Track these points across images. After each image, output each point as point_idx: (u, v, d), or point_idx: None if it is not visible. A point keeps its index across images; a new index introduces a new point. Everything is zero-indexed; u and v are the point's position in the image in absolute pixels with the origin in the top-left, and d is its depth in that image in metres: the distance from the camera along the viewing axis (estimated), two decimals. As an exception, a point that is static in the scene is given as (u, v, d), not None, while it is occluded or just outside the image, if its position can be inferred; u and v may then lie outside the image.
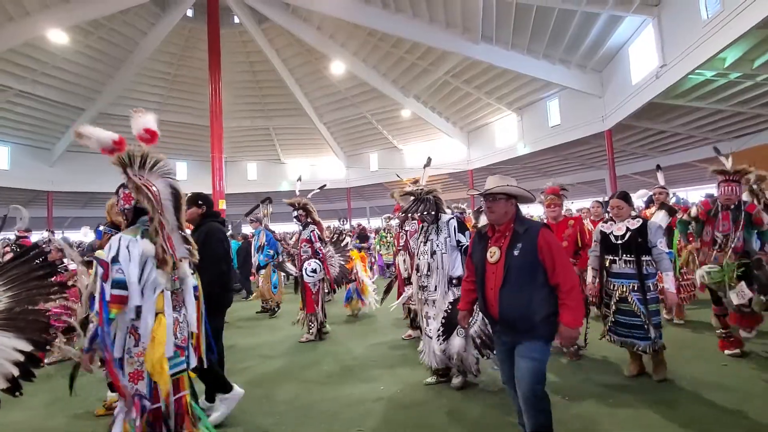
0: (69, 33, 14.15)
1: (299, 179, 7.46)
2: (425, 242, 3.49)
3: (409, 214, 3.71)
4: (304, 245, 5.28)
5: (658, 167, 5.57)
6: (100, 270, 1.91)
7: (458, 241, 3.38)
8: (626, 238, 3.29)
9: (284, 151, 24.66)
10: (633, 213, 3.39)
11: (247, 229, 13.34)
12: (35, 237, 10.24)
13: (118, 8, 14.01)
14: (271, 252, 6.88)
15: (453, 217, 3.48)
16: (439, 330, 3.30)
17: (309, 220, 5.31)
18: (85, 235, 8.23)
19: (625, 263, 3.31)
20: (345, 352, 4.69)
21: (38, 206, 19.93)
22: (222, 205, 14.26)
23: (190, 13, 16.63)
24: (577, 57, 13.21)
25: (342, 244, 5.85)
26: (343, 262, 5.63)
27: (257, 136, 23.34)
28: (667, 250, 3.28)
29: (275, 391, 3.60)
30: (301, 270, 5.28)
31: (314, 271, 5.18)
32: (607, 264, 3.40)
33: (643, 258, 3.25)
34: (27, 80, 15.67)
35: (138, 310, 1.93)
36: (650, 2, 9.98)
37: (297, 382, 3.80)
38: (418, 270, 3.57)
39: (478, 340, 3.27)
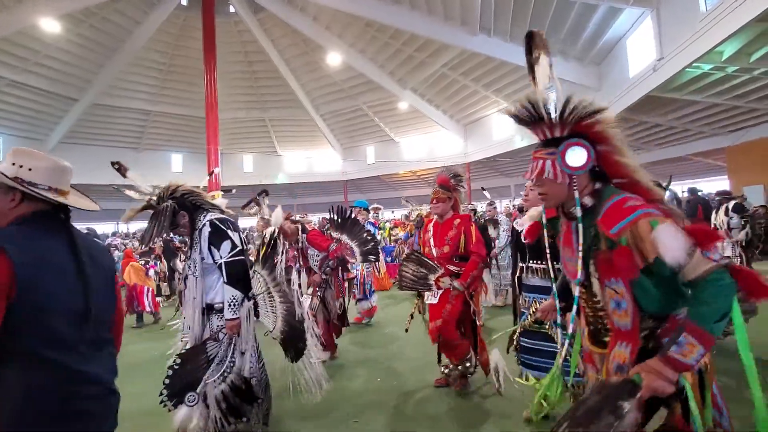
0: (61, 22, 13.90)
1: (211, 173, 6.77)
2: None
3: (152, 240, 2.56)
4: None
5: None
6: None
7: (212, 256, 2.45)
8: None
9: (281, 144, 24.51)
10: None
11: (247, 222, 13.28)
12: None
13: (111, -4, 13.79)
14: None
15: (205, 224, 2.49)
16: (163, 392, 2.27)
17: None
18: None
19: (532, 272, 2.65)
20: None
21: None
22: (218, 197, 14.18)
23: (184, 1, 16.38)
24: (575, 49, 13.16)
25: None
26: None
27: (253, 127, 23.16)
28: None
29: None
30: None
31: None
32: (520, 273, 2.78)
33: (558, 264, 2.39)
34: (19, 70, 15.42)
35: None
36: (649, -6, 9.94)
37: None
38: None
39: (223, 405, 2.31)
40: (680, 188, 17.27)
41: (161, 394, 2.24)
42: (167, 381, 2.25)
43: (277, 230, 3.78)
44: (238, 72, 19.60)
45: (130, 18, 15.72)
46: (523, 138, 17.20)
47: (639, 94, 10.87)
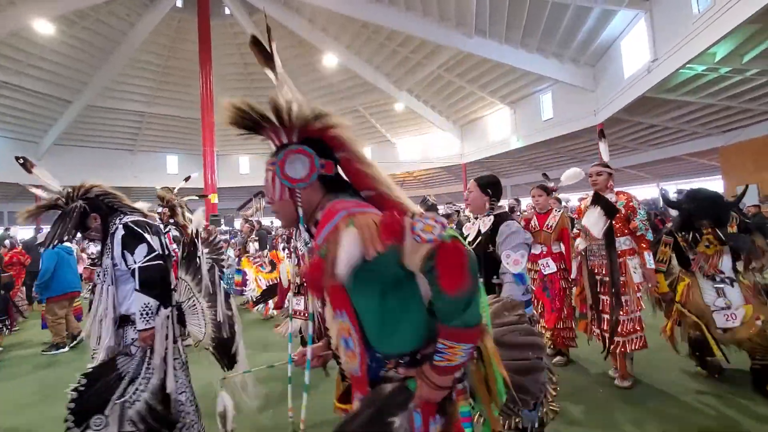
0: (55, 23, 13.85)
1: (187, 179, 5.72)
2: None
3: (53, 244, 2.20)
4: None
5: (601, 134, 3.96)
6: None
7: (125, 262, 2.18)
8: (474, 245, 2.20)
9: (277, 145, 24.48)
10: (488, 206, 2.25)
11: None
12: (23, 233, 10.07)
13: (106, -2, 13.73)
14: None
15: (118, 227, 2.20)
16: (67, 417, 1.98)
17: (171, 220, 4.73)
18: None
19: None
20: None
21: (26, 201, 19.58)
22: (214, 199, 14.15)
23: (179, 3, 16.34)
24: (570, 51, 13.23)
25: None
26: None
27: (249, 129, 23.12)
28: (515, 270, 2.00)
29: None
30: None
31: None
32: None
33: (495, 279, 2.08)
34: (12, 71, 15.31)
35: None
36: (642, -4, 10.02)
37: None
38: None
39: (141, 426, 2.04)
40: (674, 187, 17.48)
41: (65, 420, 1.93)
42: (72, 405, 1.96)
43: (196, 232, 3.58)
44: (233, 73, 19.56)
45: (125, 20, 15.65)
46: (519, 139, 17.27)
47: (634, 95, 10.94)
